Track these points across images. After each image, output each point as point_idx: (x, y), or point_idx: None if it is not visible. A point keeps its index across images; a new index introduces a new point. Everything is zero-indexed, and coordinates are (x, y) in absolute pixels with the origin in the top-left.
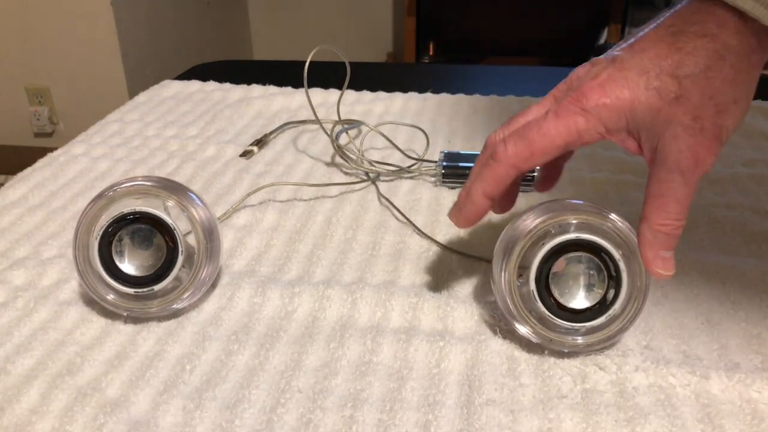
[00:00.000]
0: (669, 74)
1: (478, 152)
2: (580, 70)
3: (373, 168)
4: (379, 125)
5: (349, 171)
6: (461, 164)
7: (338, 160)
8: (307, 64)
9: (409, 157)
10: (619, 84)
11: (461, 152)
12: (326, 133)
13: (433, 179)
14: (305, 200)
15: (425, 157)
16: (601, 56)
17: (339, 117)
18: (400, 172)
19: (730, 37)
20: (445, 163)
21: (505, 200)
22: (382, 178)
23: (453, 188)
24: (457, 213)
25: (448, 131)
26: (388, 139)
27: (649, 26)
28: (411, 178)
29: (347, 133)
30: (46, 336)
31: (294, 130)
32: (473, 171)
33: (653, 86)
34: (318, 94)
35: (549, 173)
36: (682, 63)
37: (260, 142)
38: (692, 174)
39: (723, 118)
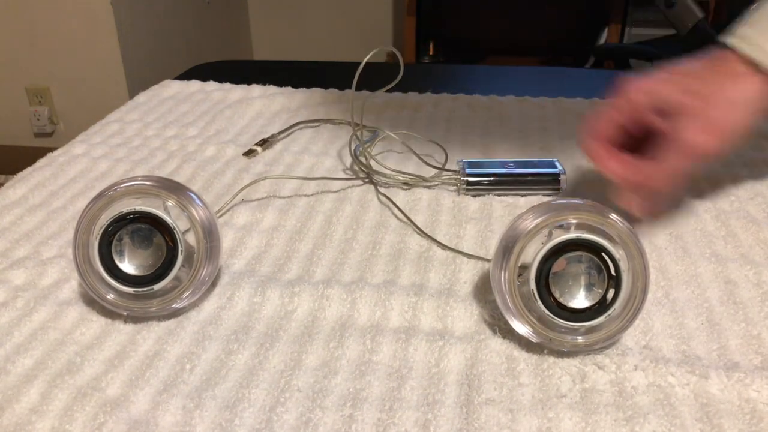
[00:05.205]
0: None
1: (497, 159)
2: None
3: (390, 178)
4: (396, 133)
5: (349, 171)
6: (484, 171)
7: (338, 160)
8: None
9: (429, 164)
10: None
11: (482, 160)
12: (358, 139)
13: (453, 189)
14: (305, 200)
15: (445, 167)
16: None
17: (354, 121)
18: (418, 180)
19: None
20: (468, 170)
21: None
22: (403, 186)
23: (475, 197)
24: None
25: (447, 131)
26: (409, 148)
27: None
28: (429, 187)
29: (358, 138)
30: (46, 336)
31: (295, 131)
32: None
33: None
34: (317, 95)
35: None
36: None
37: (266, 142)
38: None
39: None
